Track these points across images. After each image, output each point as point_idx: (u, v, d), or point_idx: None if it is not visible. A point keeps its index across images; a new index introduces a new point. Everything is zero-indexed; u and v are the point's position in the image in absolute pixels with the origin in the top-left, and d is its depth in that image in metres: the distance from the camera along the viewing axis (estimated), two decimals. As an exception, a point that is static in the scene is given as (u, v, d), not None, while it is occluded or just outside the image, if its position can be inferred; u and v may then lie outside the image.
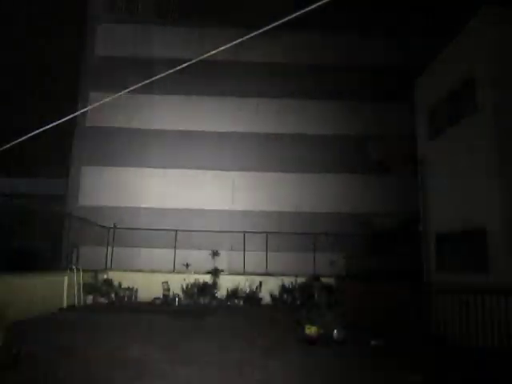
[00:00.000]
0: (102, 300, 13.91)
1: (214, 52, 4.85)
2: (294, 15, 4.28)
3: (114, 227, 16.01)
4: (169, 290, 14.56)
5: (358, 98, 18.93)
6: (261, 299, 14.71)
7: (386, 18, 19.27)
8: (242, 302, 14.56)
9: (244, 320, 11.50)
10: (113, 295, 14.14)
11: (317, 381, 5.97)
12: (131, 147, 18.25)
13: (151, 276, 14.94)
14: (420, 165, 12.17)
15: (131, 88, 5.49)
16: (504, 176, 8.52)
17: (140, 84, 5.31)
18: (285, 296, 14.66)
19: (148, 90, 16.74)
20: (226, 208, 17.93)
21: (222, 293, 14.80)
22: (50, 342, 7.65)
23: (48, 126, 4.82)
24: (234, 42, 4.65)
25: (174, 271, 15.42)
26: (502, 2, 9.22)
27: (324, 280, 14.02)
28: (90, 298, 13.62)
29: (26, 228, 12.37)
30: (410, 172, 18.16)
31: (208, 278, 14.96)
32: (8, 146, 4.41)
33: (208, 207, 17.85)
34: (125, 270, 15.13)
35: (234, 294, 14.68)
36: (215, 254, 15.99)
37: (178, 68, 5.02)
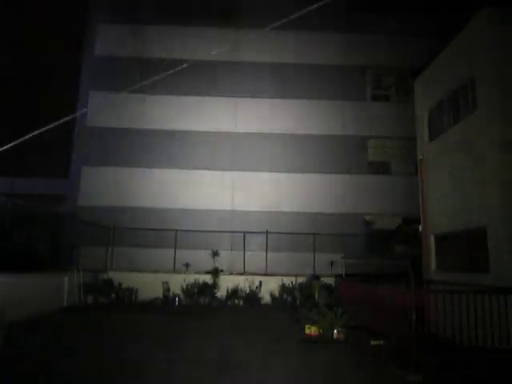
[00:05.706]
0: (102, 300, 13.90)
1: (213, 52, 4.85)
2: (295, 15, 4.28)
3: (114, 227, 16.00)
4: (169, 290, 14.55)
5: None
6: (261, 299, 14.71)
7: (387, 18, 19.27)
8: (241, 302, 14.56)
9: (244, 320, 11.49)
10: (113, 295, 14.13)
11: (317, 380, 5.98)
12: (131, 147, 18.24)
13: (151, 276, 14.93)
14: (420, 165, 12.17)
15: (131, 88, 5.49)
16: (504, 175, 8.52)
17: (140, 84, 5.30)
18: (285, 296, 14.64)
19: (148, 89, 16.75)
20: (228, 208, 17.96)
21: (221, 293, 14.79)
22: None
23: (48, 127, 4.82)
24: (234, 43, 4.64)
25: (174, 271, 15.41)
26: (502, 2, 9.22)
27: (324, 280, 14.04)
28: (90, 298, 13.61)
29: (26, 228, 12.36)
30: (410, 172, 18.23)
31: (208, 278, 14.95)
32: (8, 146, 4.41)
33: (207, 207, 17.86)
34: (125, 270, 15.11)
35: (234, 293, 14.68)
36: (215, 254, 15.97)
37: (178, 68, 5.03)
